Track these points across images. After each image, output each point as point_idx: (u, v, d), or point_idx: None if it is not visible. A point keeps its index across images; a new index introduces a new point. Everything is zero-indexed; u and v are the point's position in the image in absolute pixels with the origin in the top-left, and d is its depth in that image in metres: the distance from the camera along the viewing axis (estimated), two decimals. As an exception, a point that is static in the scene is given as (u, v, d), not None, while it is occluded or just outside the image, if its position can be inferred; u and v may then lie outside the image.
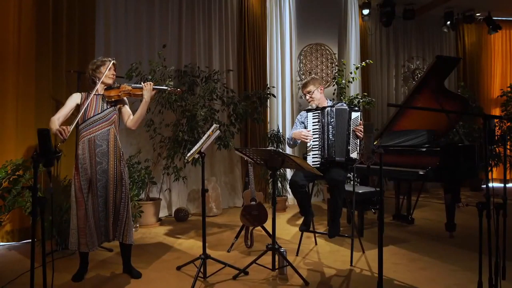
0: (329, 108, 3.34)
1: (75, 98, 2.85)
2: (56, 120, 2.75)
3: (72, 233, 2.74)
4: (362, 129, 3.25)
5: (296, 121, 3.61)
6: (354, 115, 3.30)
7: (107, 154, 2.79)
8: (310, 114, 3.45)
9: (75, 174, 2.76)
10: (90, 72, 2.87)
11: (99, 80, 2.84)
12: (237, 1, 5.95)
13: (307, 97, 3.47)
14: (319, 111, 3.40)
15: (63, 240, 3.47)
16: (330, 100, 3.56)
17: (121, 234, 2.82)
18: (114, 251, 3.49)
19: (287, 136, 3.55)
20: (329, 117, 3.32)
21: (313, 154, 3.38)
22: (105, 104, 2.85)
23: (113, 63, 2.90)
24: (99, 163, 2.76)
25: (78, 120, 2.79)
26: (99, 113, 2.81)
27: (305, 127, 3.46)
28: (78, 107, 2.84)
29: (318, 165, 3.32)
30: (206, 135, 2.89)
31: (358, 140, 3.29)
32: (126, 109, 2.97)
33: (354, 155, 3.29)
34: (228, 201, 5.84)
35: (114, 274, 2.98)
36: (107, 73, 2.85)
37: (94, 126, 2.78)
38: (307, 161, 3.32)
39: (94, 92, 2.84)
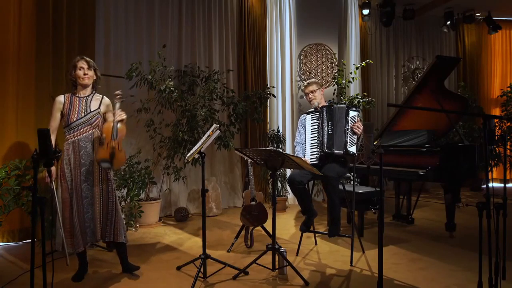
0: (326, 107, 3.42)
1: (58, 106, 2.77)
2: (52, 138, 2.72)
3: (59, 233, 2.74)
4: (360, 126, 3.29)
5: (298, 125, 3.67)
6: (352, 113, 3.37)
7: (91, 156, 2.77)
8: (308, 117, 3.54)
9: (61, 175, 2.76)
10: (68, 76, 2.83)
11: (77, 83, 2.80)
12: (237, 1, 5.95)
13: (310, 96, 3.55)
14: (317, 112, 3.48)
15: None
16: (330, 101, 3.65)
17: (111, 233, 2.81)
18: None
19: (295, 152, 3.64)
20: (327, 115, 3.39)
21: (311, 152, 3.41)
22: (88, 108, 2.79)
23: (83, 61, 2.77)
24: (84, 165, 2.74)
25: (62, 123, 2.78)
26: (82, 117, 2.76)
27: (305, 130, 3.54)
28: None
29: (316, 161, 3.37)
30: (206, 135, 2.89)
31: (356, 136, 3.34)
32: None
33: (353, 149, 3.31)
34: (228, 201, 5.84)
35: (113, 274, 2.98)
36: (79, 74, 2.77)
37: (78, 130, 2.75)
38: (306, 158, 3.40)
39: (77, 95, 2.81)
